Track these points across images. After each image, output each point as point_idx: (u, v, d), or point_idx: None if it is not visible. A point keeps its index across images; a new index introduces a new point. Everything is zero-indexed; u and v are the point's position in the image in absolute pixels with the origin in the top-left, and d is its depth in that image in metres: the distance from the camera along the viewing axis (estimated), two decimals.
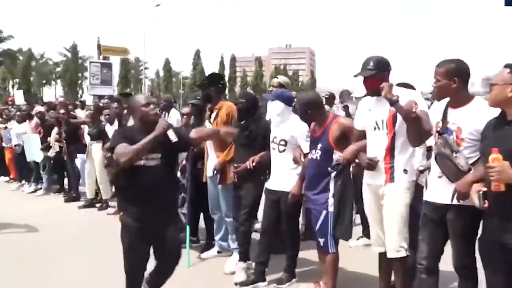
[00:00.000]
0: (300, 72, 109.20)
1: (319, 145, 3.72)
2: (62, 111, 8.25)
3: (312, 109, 3.73)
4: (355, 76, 3.31)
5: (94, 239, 5.82)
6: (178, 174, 5.15)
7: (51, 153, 8.92)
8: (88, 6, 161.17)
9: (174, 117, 7.22)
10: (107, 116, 7.21)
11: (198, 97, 5.51)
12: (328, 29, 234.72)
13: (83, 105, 11.84)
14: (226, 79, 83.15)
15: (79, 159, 8.36)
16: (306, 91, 3.95)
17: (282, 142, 4.07)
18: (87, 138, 7.99)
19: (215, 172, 4.61)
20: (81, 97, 53.50)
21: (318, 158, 3.71)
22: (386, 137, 3.24)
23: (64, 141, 8.37)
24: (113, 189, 7.90)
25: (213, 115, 4.77)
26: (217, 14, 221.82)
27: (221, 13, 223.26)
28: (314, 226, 3.75)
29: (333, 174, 3.62)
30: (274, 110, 4.08)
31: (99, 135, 7.80)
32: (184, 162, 5.15)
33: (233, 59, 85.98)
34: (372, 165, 3.23)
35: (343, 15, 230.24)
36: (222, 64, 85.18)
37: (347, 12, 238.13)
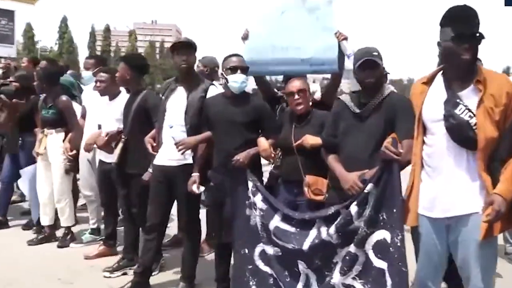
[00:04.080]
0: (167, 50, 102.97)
1: None
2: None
3: None
4: None
5: None
6: None
7: None
8: None
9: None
10: (99, 86, 4.11)
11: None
12: (195, 7, 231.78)
13: None
14: (99, 53, 76.11)
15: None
16: None
17: None
18: None
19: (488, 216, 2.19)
20: None
21: None
22: None
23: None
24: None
25: (471, 94, 2.32)
26: None
27: None
28: None
29: None
30: None
31: (59, 118, 4.60)
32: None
33: (107, 30, 77.95)
34: None
35: None
36: (93, 35, 76.83)
37: None
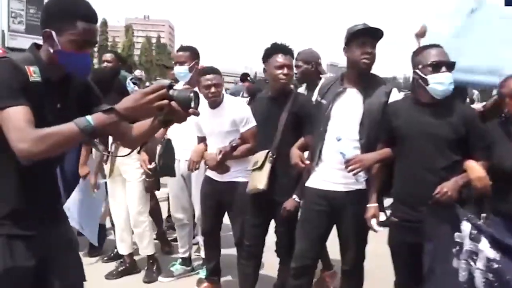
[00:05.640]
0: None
1: None
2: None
3: None
4: None
5: None
6: None
7: None
8: None
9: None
10: (214, 92, 3.18)
11: None
12: (188, 3, 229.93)
13: None
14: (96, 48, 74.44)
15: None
16: None
17: None
18: None
19: None
20: None
21: None
22: None
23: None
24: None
25: None
26: None
27: None
28: None
29: None
30: None
31: None
32: None
33: (104, 25, 76.47)
34: None
35: None
36: None
37: None
